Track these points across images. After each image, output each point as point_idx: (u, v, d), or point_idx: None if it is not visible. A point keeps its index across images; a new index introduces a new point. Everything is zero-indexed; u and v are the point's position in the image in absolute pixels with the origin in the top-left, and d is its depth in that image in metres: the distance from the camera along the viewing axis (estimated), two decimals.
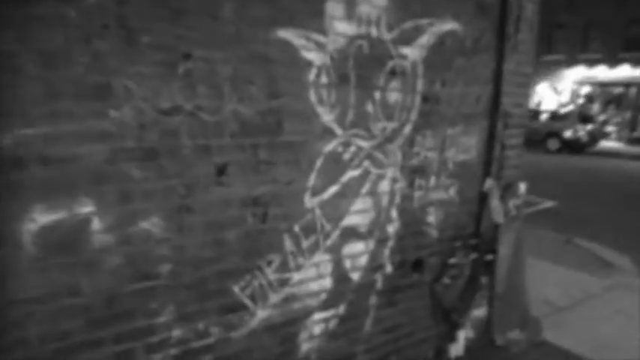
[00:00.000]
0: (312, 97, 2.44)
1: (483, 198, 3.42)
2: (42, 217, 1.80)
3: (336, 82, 2.51)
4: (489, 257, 3.48)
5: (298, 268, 2.57)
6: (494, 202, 3.39)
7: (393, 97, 2.77)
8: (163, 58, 1.98)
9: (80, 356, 1.97)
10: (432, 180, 3.11)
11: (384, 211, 2.89)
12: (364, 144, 2.70)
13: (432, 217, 3.17)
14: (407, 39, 2.75)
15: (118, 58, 1.87)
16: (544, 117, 20.22)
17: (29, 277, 1.82)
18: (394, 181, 2.90)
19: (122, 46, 1.88)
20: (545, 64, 26.85)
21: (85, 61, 1.81)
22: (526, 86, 3.49)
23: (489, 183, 3.38)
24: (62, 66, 1.76)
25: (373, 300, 2.97)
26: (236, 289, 2.37)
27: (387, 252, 2.97)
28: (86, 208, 1.90)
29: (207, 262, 2.26)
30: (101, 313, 2.00)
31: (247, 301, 2.42)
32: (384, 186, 2.86)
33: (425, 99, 2.93)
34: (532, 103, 27.61)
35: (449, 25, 2.93)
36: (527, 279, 3.82)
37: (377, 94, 2.69)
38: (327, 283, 2.73)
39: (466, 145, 3.25)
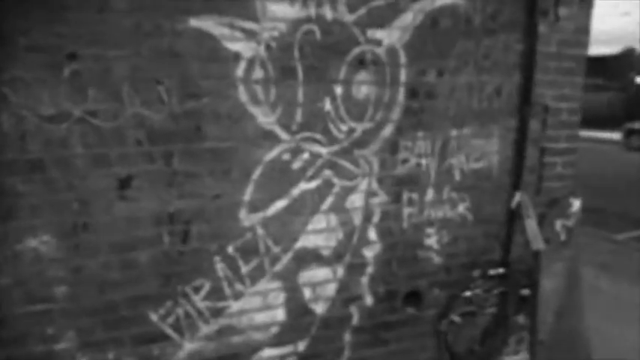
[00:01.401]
0: (243, 95, 2.06)
1: (513, 217, 2.68)
2: None
3: (277, 77, 2.10)
4: (525, 292, 2.72)
5: (237, 296, 2.21)
6: (530, 223, 2.64)
7: (363, 91, 2.26)
8: (44, 59, 1.79)
9: None
10: (430, 193, 2.49)
11: (358, 230, 2.37)
12: (322, 150, 2.24)
13: (432, 240, 2.54)
14: (379, 20, 2.23)
15: None
16: None
17: None
18: (370, 194, 2.37)
19: None
20: None
21: None
22: (577, 73, 2.67)
23: (520, 198, 2.64)
24: None
25: (348, 337, 2.46)
26: (154, 317, 2.09)
27: (364, 280, 2.44)
28: None
29: (115, 286, 2.01)
30: None
31: (170, 331, 2.12)
32: (356, 201, 2.35)
33: (412, 93, 2.36)
34: None
35: (444, 0, 2.33)
36: (608, 327, 2.92)
37: (338, 89, 2.21)
38: (279, 314, 2.31)
39: (482, 150, 2.57)
